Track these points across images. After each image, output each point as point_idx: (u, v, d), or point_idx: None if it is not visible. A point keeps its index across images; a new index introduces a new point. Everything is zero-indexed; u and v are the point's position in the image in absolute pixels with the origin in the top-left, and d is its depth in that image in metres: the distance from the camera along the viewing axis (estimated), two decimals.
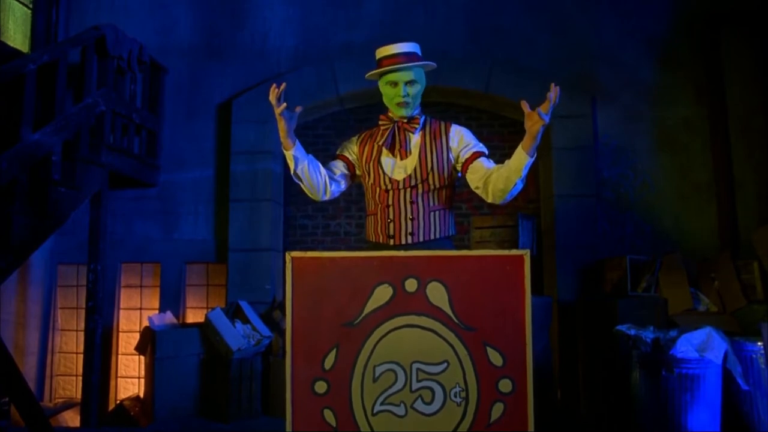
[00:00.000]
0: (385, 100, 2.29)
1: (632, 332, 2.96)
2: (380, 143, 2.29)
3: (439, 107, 4.93)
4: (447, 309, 1.84)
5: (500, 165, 2.21)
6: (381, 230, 2.26)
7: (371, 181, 2.30)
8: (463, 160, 2.28)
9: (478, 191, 2.27)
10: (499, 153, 4.96)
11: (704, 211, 4.48)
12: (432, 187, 2.26)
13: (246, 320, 4.14)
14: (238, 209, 4.67)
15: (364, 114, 4.94)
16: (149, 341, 4.11)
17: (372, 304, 1.84)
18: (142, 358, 4.41)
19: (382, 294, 1.84)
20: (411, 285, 1.84)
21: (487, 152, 2.32)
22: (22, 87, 3.46)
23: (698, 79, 4.61)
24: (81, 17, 5.02)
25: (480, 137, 5.41)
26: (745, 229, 4.25)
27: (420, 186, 2.24)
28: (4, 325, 4.30)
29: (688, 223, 4.49)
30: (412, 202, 2.24)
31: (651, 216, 4.52)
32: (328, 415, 1.83)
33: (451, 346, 1.85)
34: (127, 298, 4.87)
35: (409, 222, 2.23)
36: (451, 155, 2.29)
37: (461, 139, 2.31)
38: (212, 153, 4.85)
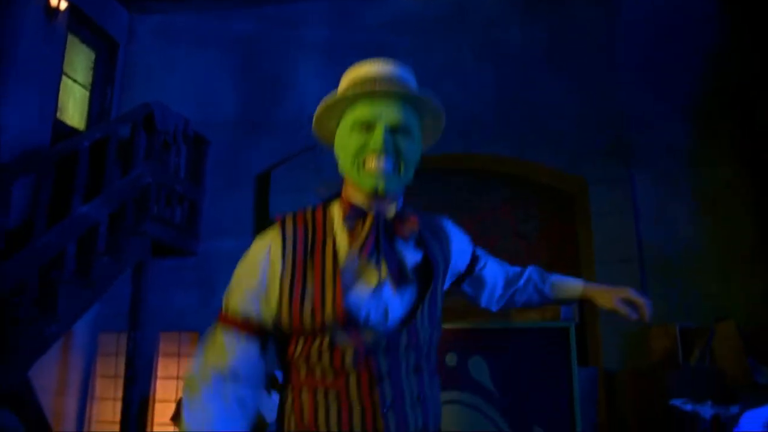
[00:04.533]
0: (346, 167, 1.22)
1: (688, 408, 2.78)
2: (354, 249, 1.18)
3: (472, 174, 4.97)
4: (489, 384, 1.77)
5: (522, 273, 1.54)
6: (359, 428, 1.14)
7: (325, 341, 1.16)
8: (467, 270, 1.46)
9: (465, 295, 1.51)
10: (535, 219, 4.92)
11: (755, 276, 4.28)
12: (434, 333, 1.27)
13: None
14: None
15: None
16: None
17: None
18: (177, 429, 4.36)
19: None
20: (451, 359, 1.80)
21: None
22: (76, 162, 3.66)
23: (737, 140, 4.53)
24: (133, 94, 5.35)
25: (516, 204, 5.38)
26: None
27: (420, 333, 1.21)
28: (44, 392, 4.34)
29: (738, 288, 4.28)
30: (417, 369, 1.21)
31: (697, 282, 4.33)
32: None
33: (495, 423, 1.77)
34: (164, 367, 4.87)
35: (419, 406, 1.19)
36: (451, 272, 1.38)
37: (463, 249, 1.44)
38: (250, 222, 4.96)
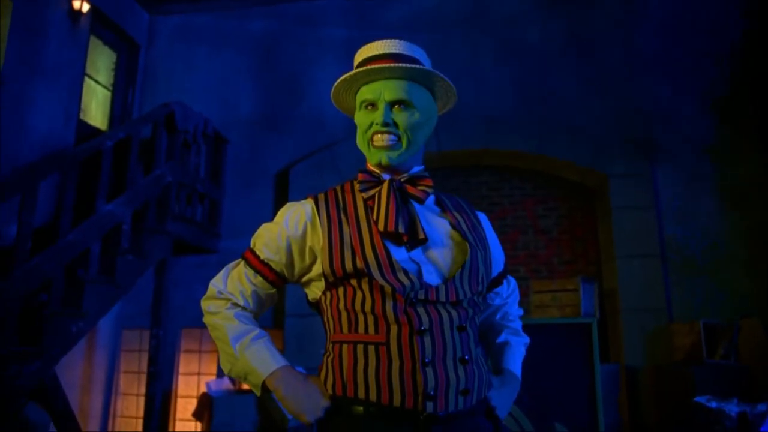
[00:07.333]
0: (359, 143, 1.32)
1: (713, 405, 2.74)
2: (379, 217, 1.25)
3: (493, 170, 4.94)
4: None
5: (506, 328, 1.46)
6: (396, 382, 1.15)
7: (365, 284, 1.20)
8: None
9: None
10: (556, 215, 4.88)
11: None
12: (479, 304, 1.29)
13: None
14: None
15: None
16: (206, 407, 4.12)
17: None
18: (199, 424, 4.41)
19: None
20: None
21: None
22: (99, 162, 3.72)
23: (762, 134, 4.45)
24: (154, 94, 5.43)
25: (536, 199, 5.33)
26: None
27: (465, 301, 1.23)
28: (70, 388, 4.43)
29: (763, 285, 4.20)
30: (461, 329, 1.21)
31: (721, 278, 4.26)
32: None
33: (517, 420, 1.76)
34: (186, 363, 4.94)
35: (461, 368, 1.19)
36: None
37: (496, 258, 1.41)
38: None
